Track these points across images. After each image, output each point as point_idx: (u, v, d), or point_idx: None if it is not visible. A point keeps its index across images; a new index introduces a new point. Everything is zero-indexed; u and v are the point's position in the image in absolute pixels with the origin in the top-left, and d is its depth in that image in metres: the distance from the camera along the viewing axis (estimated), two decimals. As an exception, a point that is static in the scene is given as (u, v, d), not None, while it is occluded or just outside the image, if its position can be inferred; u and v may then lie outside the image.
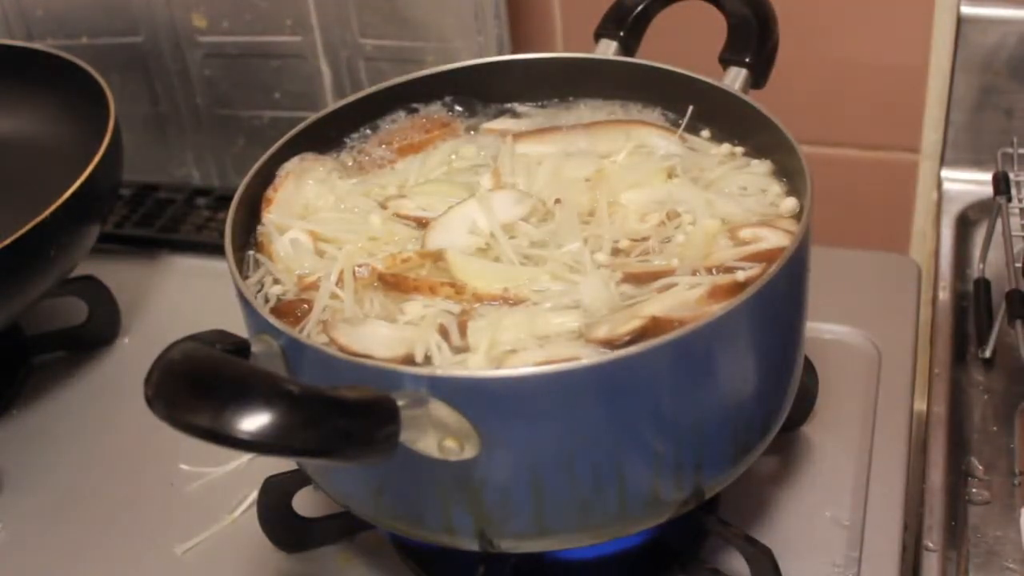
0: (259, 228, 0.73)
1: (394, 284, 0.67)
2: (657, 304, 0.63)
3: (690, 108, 0.77)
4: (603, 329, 0.62)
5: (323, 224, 0.73)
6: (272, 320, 0.62)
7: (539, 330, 0.63)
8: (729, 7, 0.80)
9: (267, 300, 0.69)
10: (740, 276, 0.65)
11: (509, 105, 0.83)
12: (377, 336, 0.64)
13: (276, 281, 0.70)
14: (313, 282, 0.68)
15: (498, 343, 0.62)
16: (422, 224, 0.72)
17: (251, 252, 0.72)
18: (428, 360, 0.63)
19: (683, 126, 0.77)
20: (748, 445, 0.67)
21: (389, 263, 0.69)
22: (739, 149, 0.76)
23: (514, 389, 0.58)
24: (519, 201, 0.72)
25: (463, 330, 0.64)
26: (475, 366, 0.61)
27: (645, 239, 0.69)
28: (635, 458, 0.62)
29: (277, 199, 0.74)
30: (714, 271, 0.66)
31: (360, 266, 0.68)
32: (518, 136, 0.79)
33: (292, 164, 0.76)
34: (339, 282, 0.67)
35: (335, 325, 0.65)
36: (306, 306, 0.67)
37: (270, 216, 0.73)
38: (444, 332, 0.64)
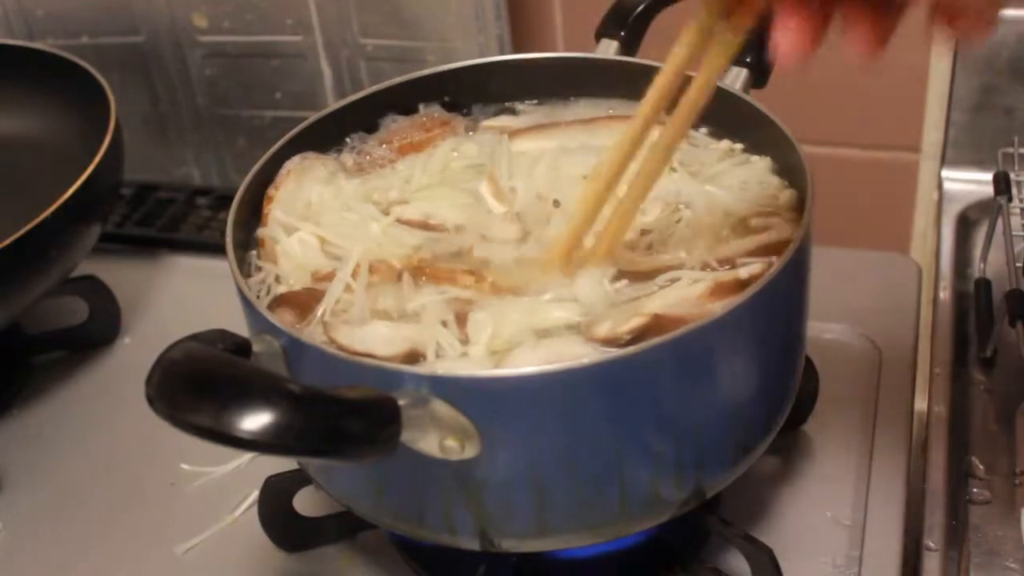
0: (261, 230, 0.73)
1: (419, 273, 0.68)
2: (659, 300, 0.63)
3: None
4: (604, 327, 0.62)
5: (326, 228, 0.73)
6: (273, 320, 0.62)
7: (538, 323, 0.63)
8: (730, 7, 0.80)
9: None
10: (743, 273, 0.65)
11: (509, 104, 0.83)
12: (378, 334, 0.64)
13: (278, 280, 0.70)
14: (328, 274, 0.68)
15: (499, 336, 0.63)
16: (426, 228, 0.72)
17: (252, 252, 0.72)
18: (439, 355, 0.63)
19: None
20: (749, 445, 0.67)
21: (405, 263, 0.69)
22: (738, 146, 0.76)
23: (515, 389, 0.58)
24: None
25: (461, 322, 0.64)
26: (475, 357, 0.62)
27: (647, 232, 0.69)
28: (636, 457, 0.62)
29: (278, 197, 0.74)
30: (720, 265, 0.66)
31: (379, 262, 0.69)
32: (516, 133, 0.79)
33: (294, 162, 0.76)
34: (354, 275, 0.67)
35: (335, 326, 0.65)
36: (313, 298, 0.67)
37: (273, 215, 0.73)
38: (444, 326, 0.64)
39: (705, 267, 0.66)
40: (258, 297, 0.68)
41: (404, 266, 0.69)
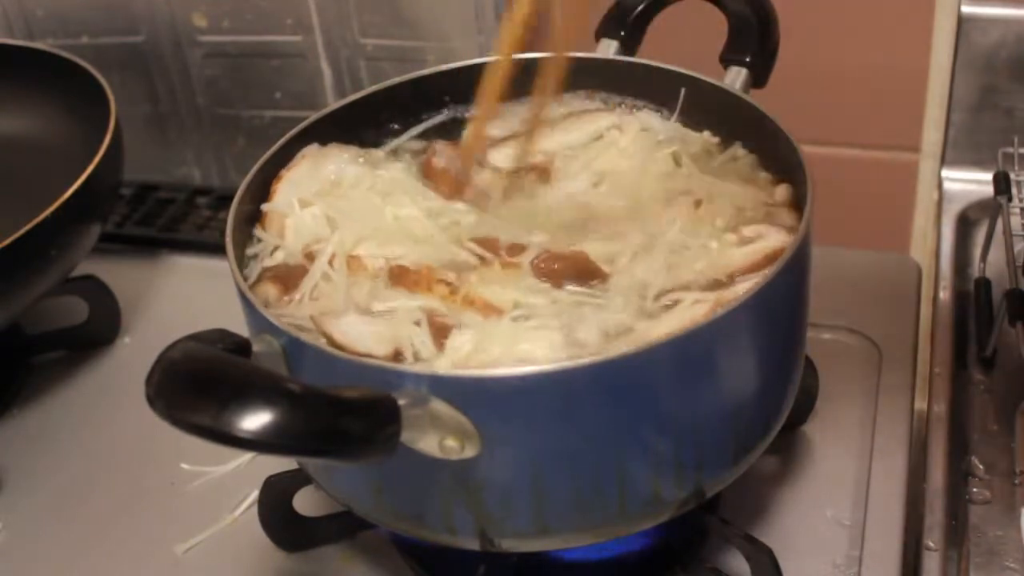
0: (266, 205, 0.73)
1: (398, 276, 0.68)
2: (662, 328, 0.63)
3: (682, 91, 0.78)
4: None
5: (331, 205, 0.72)
6: (273, 319, 0.62)
7: (522, 356, 0.62)
8: (730, 7, 0.80)
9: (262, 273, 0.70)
10: (741, 292, 0.64)
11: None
12: (373, 332, 0.64)
13: (272, 255, 0.71)
14: (311, 252, 0.69)
15: (476, 361, 0.62)
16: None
17: (251, 251, 0.72)
18: (416, 357, 0.63)
19: (676, 111, 0.79)
20: (749, 444, 0.67)
21: (375, 265, 0.69)
22: (714, 139, 0.77)
23: (515, 389, 0.58)
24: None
25: (438, 333, 0.64)
26: (444, 366, 0.62)
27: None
28: (636, 457, 0.62)
29: (288, 177, 0.74)
30: (718, 275, 0.66)
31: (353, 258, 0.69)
32: (497, 142, 0.78)
33: (310, 149, 0.76)
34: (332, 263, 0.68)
35: (329, 320, 0.65)
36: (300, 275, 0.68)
37: (284, 190, 0.73)
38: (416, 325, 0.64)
39: (706, 286, 0.66)
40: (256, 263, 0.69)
41: (374, 268, 0.68)
